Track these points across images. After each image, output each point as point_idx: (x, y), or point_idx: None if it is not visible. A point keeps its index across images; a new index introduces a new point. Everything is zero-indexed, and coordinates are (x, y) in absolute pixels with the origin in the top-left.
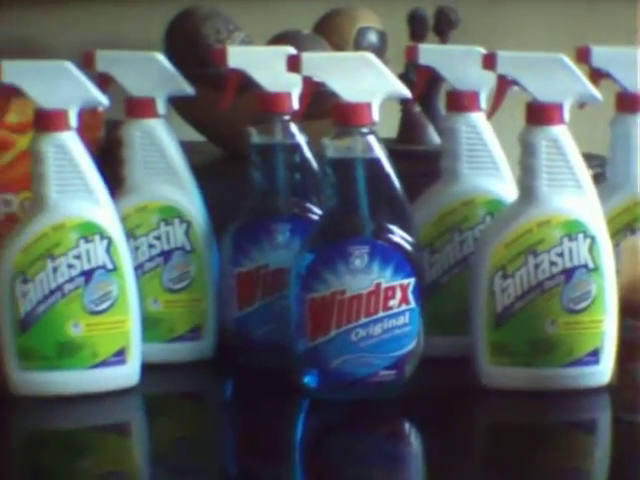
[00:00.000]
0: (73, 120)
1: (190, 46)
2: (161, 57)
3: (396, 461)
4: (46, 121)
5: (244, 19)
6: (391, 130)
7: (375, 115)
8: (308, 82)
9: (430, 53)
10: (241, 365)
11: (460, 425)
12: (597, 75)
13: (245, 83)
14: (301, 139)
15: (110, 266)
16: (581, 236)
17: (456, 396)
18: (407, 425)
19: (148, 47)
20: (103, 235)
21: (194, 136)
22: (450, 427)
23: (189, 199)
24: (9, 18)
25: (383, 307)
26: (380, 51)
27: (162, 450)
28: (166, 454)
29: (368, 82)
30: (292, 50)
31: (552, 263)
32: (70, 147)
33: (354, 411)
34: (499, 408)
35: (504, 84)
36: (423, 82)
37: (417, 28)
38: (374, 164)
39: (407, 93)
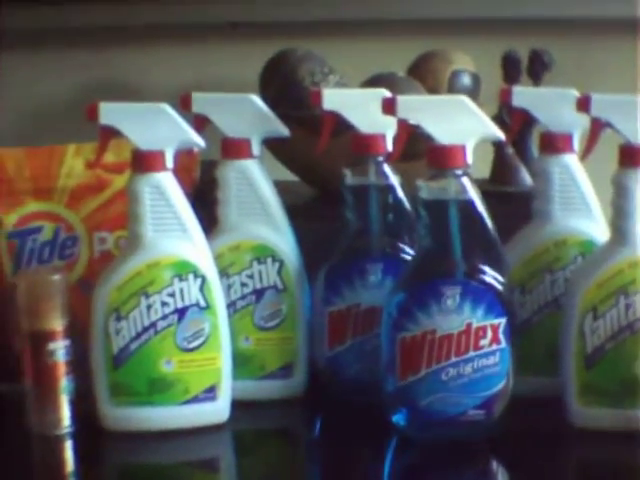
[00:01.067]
0: (169, 161)
1: (285, 88)
2: (256, 98)
3: None
4: (143, 161)
5: (338, 61)
6: (483, 170)
7: (469, 157)
8: (403, 125)
9: (524, 95)
10: (331, 403)
11: (549, 466)
12: None
13: (340, 125)
14: (395, 180)
15: (203, 304)
16: None
17: (545, 436)
18: (495, 465)
19: (243, 89)
20: (197, 273)
21: (287, 176)
22: (539, 468)
23: (282, 238)
24: (105, 60)
25: (474, 347)
26: (474, 93)
27: None
28: None
29: (463, 125)
30: (387, 92)
31: None
32: (166, 187)
33: (443, 450)
34: (589, 449)
35: (598, 126)
36: (517, 124)
37: (511, 70)
38: (467, 205)
39: (501, 135)
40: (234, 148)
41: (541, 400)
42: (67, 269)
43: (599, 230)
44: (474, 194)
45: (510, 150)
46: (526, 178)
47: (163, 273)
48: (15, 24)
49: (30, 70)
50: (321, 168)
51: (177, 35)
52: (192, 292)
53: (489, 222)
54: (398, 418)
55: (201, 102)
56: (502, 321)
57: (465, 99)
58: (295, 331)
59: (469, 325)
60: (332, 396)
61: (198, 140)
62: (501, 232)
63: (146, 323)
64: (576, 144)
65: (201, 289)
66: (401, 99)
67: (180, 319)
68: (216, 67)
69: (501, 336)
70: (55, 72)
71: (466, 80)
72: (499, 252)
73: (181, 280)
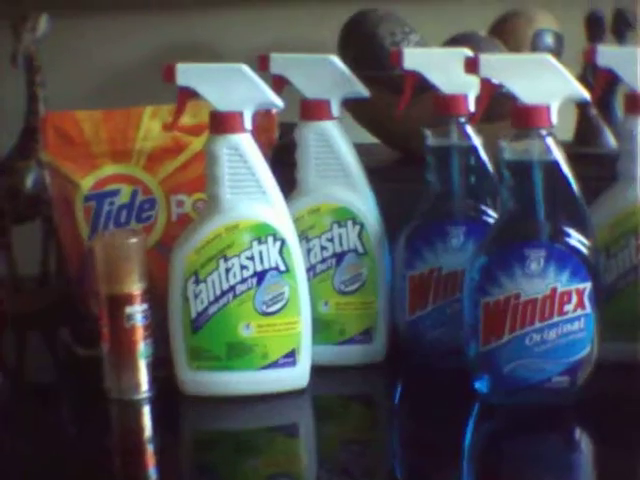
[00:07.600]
0: (248, 122)
1: (365, 48)
2: (336, 59)
3: (567, 469)
4: (221, 123)
5: (418, 22)
6: (566, 133)
7: (554, 117)
8: (486, 84)
9: (609, 54)
10: (411, 368)
11: (635, 433)
12: None
13: (421, 85)
14: (477, 141)
15: (283, 268)
16: None
17: (631, 403)
18: (579, 432)
19: (322, 49)
20: (276, 236)
21: (366, 138)
22: (624, 435)
23: (362, 201)
24: (182, 21)
25: (558, 312)
26: (556, 53)
27: (330, 452)
28: (334, 456)
29: (547, 84)
30: (469, 52)
31: None
32: (244, 149)
33: (525, 417)
34: None
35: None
36: (601, 84)
37: (594, 30)
38: (552, 167)
39: (586, 95)
40: (313, 109)
41: (626, 366)
42: (144, 232)
43: None
44: (559, 155)
45: (594, 111)
46: (610, 140)
47: (242, 236)
48: None
49: (107, 32)
50: (402, 129)
51: None
52: (271, 255)
53: (574, 184)
54: (480, 384)
55: (280, 63)
56: (587, 286)
57: (550, 57)
58: (375, 295)
59: (554, 289)
60: (412, 361)
61: (276, 101)
62: (585, 195)
63: (225, 287)
64: None
65: (280, 252)
66: (484, 57)
67: (259, 283)
68: (294, 28)
69: (586, 301)
70: (132, 34)
71: (549, 40)
72: (584, 215)
73: (260, 243)
